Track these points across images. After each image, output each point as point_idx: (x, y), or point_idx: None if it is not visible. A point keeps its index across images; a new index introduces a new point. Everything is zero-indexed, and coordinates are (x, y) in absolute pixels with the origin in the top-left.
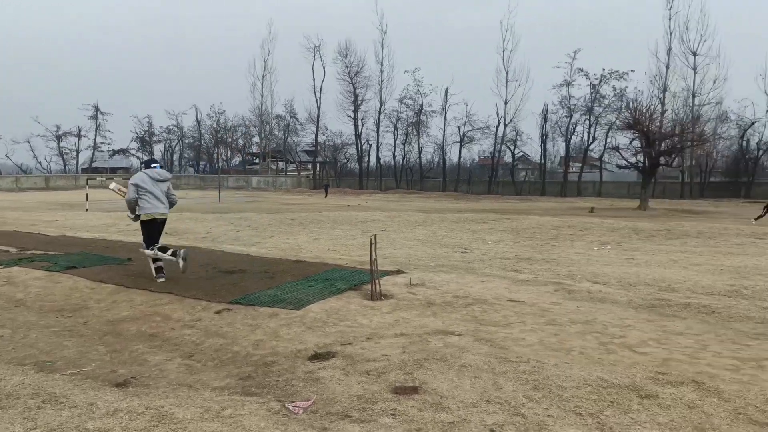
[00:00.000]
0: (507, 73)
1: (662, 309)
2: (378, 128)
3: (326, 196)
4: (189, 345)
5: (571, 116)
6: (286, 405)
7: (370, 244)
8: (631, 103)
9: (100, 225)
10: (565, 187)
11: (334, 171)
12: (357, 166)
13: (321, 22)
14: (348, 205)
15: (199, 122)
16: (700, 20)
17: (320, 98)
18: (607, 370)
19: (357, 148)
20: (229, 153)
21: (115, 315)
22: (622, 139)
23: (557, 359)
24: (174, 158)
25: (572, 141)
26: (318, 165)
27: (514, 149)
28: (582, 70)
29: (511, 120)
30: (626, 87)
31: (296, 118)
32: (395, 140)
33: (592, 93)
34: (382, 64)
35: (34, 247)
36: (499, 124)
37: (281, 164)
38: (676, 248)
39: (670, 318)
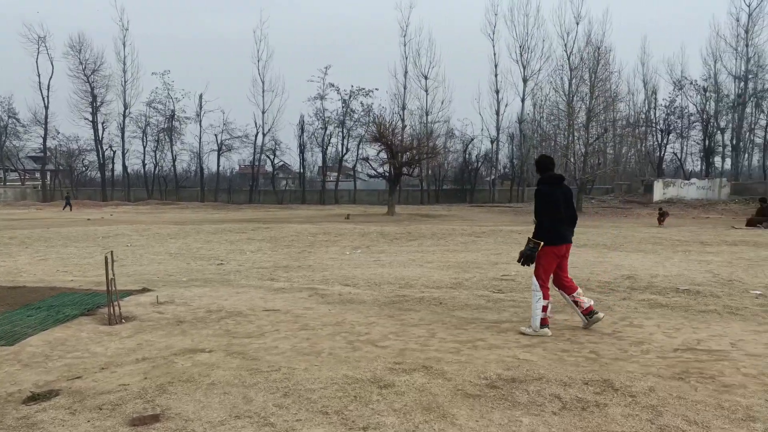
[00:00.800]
0: (263, 82)
1: (401, 304)
2: (123, 133)
3: (70, 209)
4: None
5: (326, 128)
6: None
7: (106, 261)
8: (376, 119)
9: None
10: (323, 195)
11: (69, 180)
12: (99, 174)
13: (45, 9)
14: (88, 219)
15: None
16: (429, 48)
17: (48, 97)
18: (353, 367)
19: (98, 155)
20: None
21: None
22: (371, 150)
23: (308, 363)
24: None
25: (328, 151)
26: (48, 173)
27: (274, 159)
28: (333, 85)
29: (269, 129)
30: (372, 103)
31: (17, 119)
32: (144, 147)
33: (343, 107)
34: (124, 64)
35: None
36: (258, 133)
37: None
38: (415, 248)
39: (407, 312)
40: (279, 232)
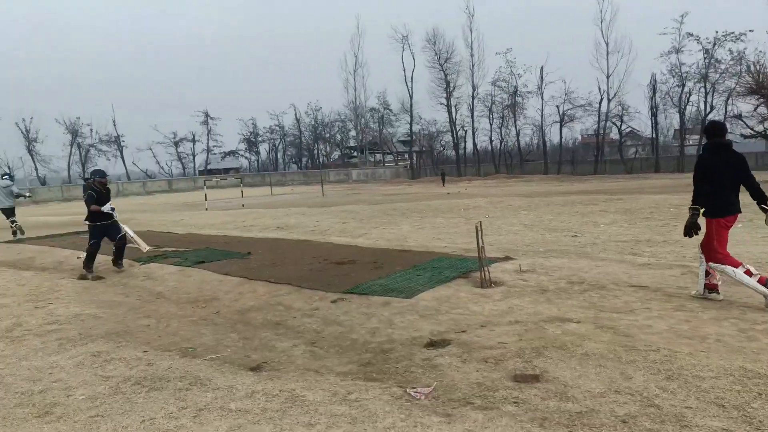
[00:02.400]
0: (607, 45)
1: None
2: (472, 113)
3: (444, 184)
4: (310, 332)
5: (683, 85)
6: (407, 391)
7: (476, 231)
8: (752, 66)
9: (219, 223)
10: (682, 161)
11: (431, 159)
12: (453, 153)
13: (406, 12)
14: (448, 193)
15: (298, 120)
16: None
17: (412, 88)
18: (751, 359)
19: (452, 135)
20: (328, 148)
21: (242, 305)
22: (745, 106)
23: (691, 348)
24: (278, 156)
25: (687, 112)
26: (414, 154)
27: (621, 125)
28: (692, 35)
29: (615, 94)
30: (745, 49)
31: (390, 110)
32: (491, 124)
33: (705, 59)
34: (471, 48)
35: (165, 244)
36: (602, 99)
37: (378, 156)
38: None
39: None
40: (633, 203)
